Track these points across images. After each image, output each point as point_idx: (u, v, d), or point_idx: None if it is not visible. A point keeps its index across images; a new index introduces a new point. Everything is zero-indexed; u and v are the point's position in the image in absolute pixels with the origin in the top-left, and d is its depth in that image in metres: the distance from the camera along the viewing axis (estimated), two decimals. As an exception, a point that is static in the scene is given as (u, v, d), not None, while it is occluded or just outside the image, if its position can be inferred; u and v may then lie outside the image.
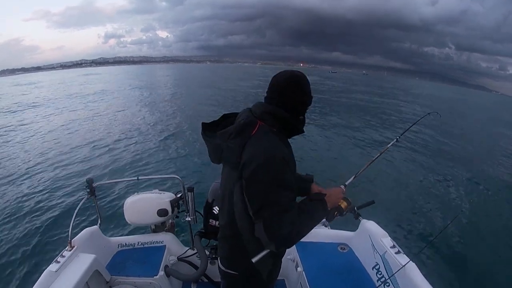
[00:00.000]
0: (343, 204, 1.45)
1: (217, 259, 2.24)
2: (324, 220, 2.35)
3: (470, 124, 22.36)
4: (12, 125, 14.61)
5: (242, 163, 1.09)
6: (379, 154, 1.83)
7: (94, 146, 10.68)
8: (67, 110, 17.46)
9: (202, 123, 1.29)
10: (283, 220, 1.05)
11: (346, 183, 1.60)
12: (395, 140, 2.00)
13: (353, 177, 1.68)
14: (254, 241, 1.15)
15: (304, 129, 1.28)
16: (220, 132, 1.18)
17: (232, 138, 1.13)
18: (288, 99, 1.17)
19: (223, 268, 1.36)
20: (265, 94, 1.23)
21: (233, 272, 1.32)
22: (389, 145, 1.94)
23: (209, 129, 1.28)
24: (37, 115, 17.17)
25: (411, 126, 2.15)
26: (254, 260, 1.15)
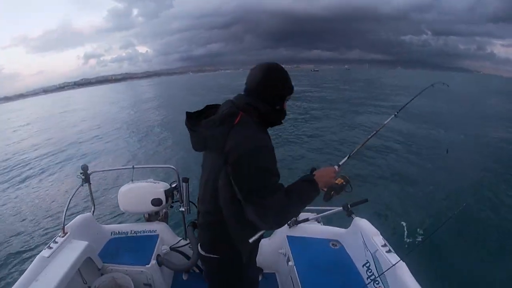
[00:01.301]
0: (339, 181, 1.44)
1: None
2: (317, 216, 2.36)
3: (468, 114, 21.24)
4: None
5: (226, 150, 1.13)
6: (375, 132, 1.73)
7: (91, 135, 10.61)
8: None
9: (186, 112, 1.30)
10: (272, 201, 1.10)
11: (340, 163, 1.55)
12: (393, 115, 1.84)
13: (346, 157, 1.62)
14: (239, 226, 1.20)
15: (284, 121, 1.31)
16: (205, 121, 1.22)
17: (216, 126, 1.17)
18: (266, 91, 1.21)
19: (203, 253, 1.38)
20: (245, 86, 1.26)
21: (214, 256, 1.35)
22: (386, 121, 1.81)
23: (193, 118, 1.30)
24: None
25: (412, 100, 1.91)
26: (250, 240, 1.21)
